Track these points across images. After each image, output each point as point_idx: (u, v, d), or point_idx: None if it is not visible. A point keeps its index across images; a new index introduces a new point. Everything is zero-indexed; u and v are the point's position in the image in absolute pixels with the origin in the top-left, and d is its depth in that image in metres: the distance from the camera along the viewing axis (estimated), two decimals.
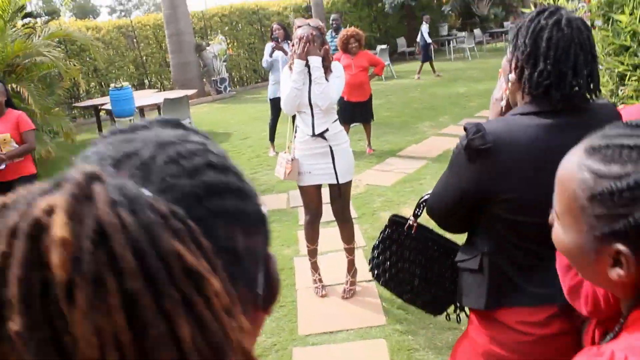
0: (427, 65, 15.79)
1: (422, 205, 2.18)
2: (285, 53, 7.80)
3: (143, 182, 0.49)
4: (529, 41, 1.55)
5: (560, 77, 1.51)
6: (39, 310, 0.38)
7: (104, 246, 0.39)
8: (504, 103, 1.76)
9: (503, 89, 1.77)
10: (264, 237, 0.59)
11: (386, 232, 2.33)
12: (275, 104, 8.32)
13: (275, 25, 8.55)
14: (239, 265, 0.53)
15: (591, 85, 1.55)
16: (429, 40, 15.52)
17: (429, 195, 1.93)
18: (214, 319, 0.43)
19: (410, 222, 2.22)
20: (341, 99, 7.51)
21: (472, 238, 1.79)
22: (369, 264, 2.43)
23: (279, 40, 8.13)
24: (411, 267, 2.22)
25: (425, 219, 2.05)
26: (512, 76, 1.62)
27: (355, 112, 7.68)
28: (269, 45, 8.30)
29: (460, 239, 1.94)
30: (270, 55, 8.14)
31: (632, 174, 0.84)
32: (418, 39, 16.18)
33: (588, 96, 1.57)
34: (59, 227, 0.39)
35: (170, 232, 0.43)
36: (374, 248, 2.38)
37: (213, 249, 0.47)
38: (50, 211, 0.40)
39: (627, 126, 0.92)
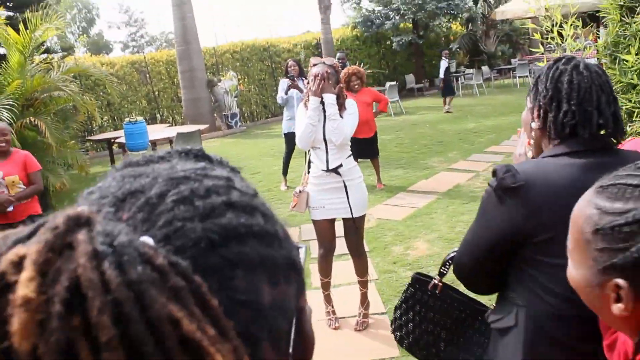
0: (435, 100, 15.96)
1: (448, 263, 2.09)
2: (300, 90, 7.94)
3: (145, 226, 0.41)
4: (550, 85, 1.55)
5: (586, 116, 1.50)
6: None
7: (79, 309, 0.33)
8: (530, 155, 1.72)
9: (525, 143, 1.75)
10: (297, 286, 0.50)
11: (409, 292, 2.21)
12: (290, 139, 8.45)
13: (290, 62, 8.70)
14: (263, 322, 0.44)
15: (616, 126, 1.54)
16: (441, 75, 15.71)
17: (455, 253, 1.82)
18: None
19: (435, 281, 2.12)
20: None
21: (505, 293, 1.66)
22: (391, 325, 2.30)
23: (295, 77, 8.28)
24: (436, 329, 2.10)
25: (451, 279, 1.96)
26: (535, 124, 1.61)
27: (361, 148, 7.78)
28: (284, 82, 8.43)
29: (486, 301, 1.89)
30: (286, 93, 8.28)
31: (632, 211, 0.90)
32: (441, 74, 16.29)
33: (614, 137, 1.56)
34: (24, 285, 0.33)
35: (166, 293, 0.35)
36: (396, 308, 2.24)
37: (229, 305, 0.40)
38: (18, 264, 0.34)
39: (636, 167, 0.98)
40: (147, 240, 0.38)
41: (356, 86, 7.71)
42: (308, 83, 3.97)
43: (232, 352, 0.37)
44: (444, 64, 15.88)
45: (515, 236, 1.52)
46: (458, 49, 23.56)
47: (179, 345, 0.34)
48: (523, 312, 1.55)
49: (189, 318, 0.36)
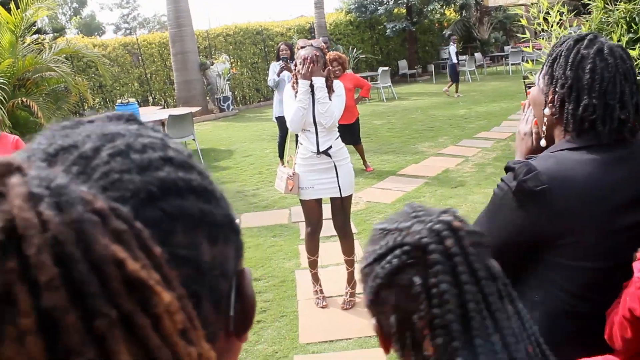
0: (428, 86, 16.00)
1: None
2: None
3: (81, 179, 0.40)
4: (570, 73, 1.43)
5: (607, 110, 1.41)
6: None
7: (14, 251, 0.31)
8: (542, 141, 1.59)
9: (531, 121, 1.66)
10: (236, 247, 0.49)
11: None
12: (282, 122, 8.49)
13: (282, 46, 8.72)
14: (203, 280, 0.43)
15: (637, 116, 1.44)
16: (454, 60, 15.62)
17: None
18: (164, 344, 0.35)
19: None
20: None
21: (519, 287, 1.54)
22: None
23: (288, 60, 8.31)
24: None
25: None
26: (549, 111, 1.51)
27: (342, 134, 7.80)
28: (275, 65, 8.47)
29: None
30: (278, 75, 8.31)
31: (370, 252, 0.95)
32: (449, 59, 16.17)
33: (632, 130, 1.45)
34: None
35: (109, 234, 0.34)
36: None
37: (169, 258, 0.38)
38: None
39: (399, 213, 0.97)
40: (84, 189, 0.36)
41: (337, 72, 7.71)
42: (296, 66, 4.02)
43: (177, 300, 0.36)
44: (452, 49, 15.83)
45: (534, 240, 1.44)
46: (452, 35, 23.59)
47: (124, 286, 0.33)
48: (538, 309, 1.47)
49: (133, 259, 0.34)
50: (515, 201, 1.42)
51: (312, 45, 4.03)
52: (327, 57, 7.74)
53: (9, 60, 7.37)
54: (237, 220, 0.50)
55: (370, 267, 0.92)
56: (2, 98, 6.68)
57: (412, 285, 0.82)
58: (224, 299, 0.47)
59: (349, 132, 7.80)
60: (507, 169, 1.46)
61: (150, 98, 17.40)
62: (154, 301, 0.34)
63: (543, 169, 1.39)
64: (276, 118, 8.63)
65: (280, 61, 8.46)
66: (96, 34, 39.22)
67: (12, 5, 7.49)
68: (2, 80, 6.91)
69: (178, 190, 0.42)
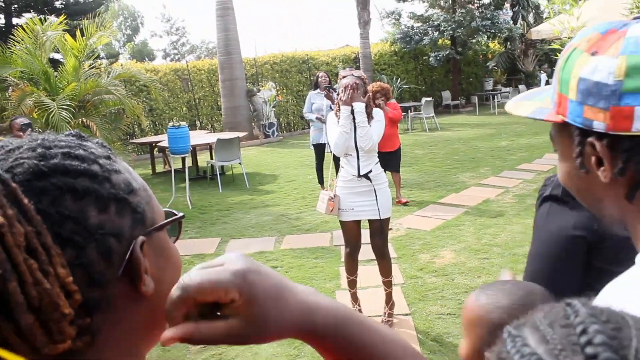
0: (470, 117, 16.07)
1: None
2: (334, 102, 8.24)
3: (0, 164, 0.59)
4: None
5: None
6: None
7: None
8: None
9: None
10: (132, 220, 0.63)
11: None
12: (318, 148, 8.80)
13: (321, 74, 9.06)
14: (87, 234, 0.58)
15: None
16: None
17: None
18: (5, 253, 0.51)
19: None
20: None
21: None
22: None
23: (331, 88, 8.58)
24: None
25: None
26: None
27: (384, 161, 7.94)
28: (314, 95, 8.79)
29: None
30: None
31: None
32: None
33: None
34: None
35: None
36: None
37: (58, 217, 0.56)
38: None
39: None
40: None
41: (380, 103, 7.90)
42: (338, 94, 4.30)
43: (31, 233, 0.53)
44: (543, 77, 15.93)
45: (586, 242, 1.43)
46: (495, 67, 23.63)
47: None
48: None
49: None
50: (561, 205, 1.46)
51: (352, 74, 4.30)
52: (370, 88, 7.99)
53: (73, 84, 7.85)
54: (141, 207, 0.66)
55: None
56: (69, 119, 7.12)
57: None
58: (117, 255, 0.61)
59: (389, 159, 7.96)
60: (544, 183, 1.52)
61: (197, 122, 17.92)
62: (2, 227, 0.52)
63: None
64: (313, 145, 8.93)
65: (317, 90, 8.76)
66: (147, 59, 40.53)
67: (78, 33, 7.99)
68: (68, 103, 7.36)
69: (67, 171, 0.59)
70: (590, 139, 0.81)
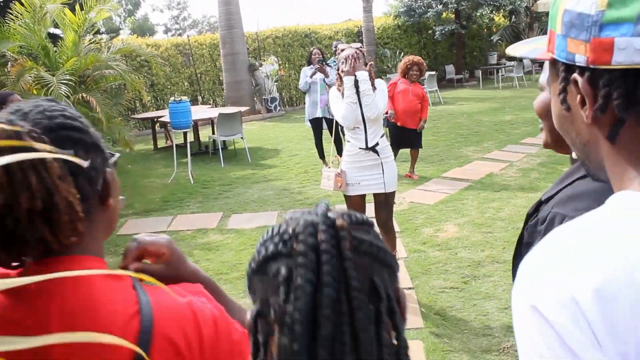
0: (474, 91, 15.94)
1: None
2: (327, 75, 8.22)
3: (22, 120, 0.91)
4: None
5: None
6: None
7: None
8: None
9: None
10: (102, 159, 0.99)
11: None
12: (315, 124, 8.77)
13: (315, 50, 9.05)
14: (78, 167, 0.89)
15: None
16: None
17: None
18: (51, 181, 0.86)
19: None
20: (394, 124, 7.82)
21: None
22: None
23: (324, 62, 8.54)
24: None
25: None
26: None
27: (405, 137, 7.92)
28: (306, 69, 8.79)
29: None
30: (311, 77, 8.56)
31: None
32: None
33: None
34: None
35: (29, 136, 0.85)
36: None
37: (61, 152, 0.84)
38: None
39: None
40: (24, 124, 0.89)
41: (414, 76, 7.82)
42: (338, 69, 4.23)
43: (58, 164, 0.87)
44: None
45: None
46: (500, 41, 23.38)
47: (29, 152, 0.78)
48: None
49: (37, 141, 0.84)
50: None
51: (351, 46, 4.25)
52: (410, 59, 7.86)
53: (74, 59, 7.77)
54: (105, 149, 1.02)
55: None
56: (68, 94, 7.07)
57: (278, 275, 0.72)
58: (95, 181, 0.96)
59: (413, 136, 7.93)
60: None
61: (199, 97, 17.83)
62: (45, 160, 0.85)
63: None
64: (309, 121, 8.88)
65: (311, 66, 8.72)
66: (148, 34, 40.21)
67: (77, 7, 7.88)
68: (67, 77, 7.29)
69: (66, 127, 0.94)
70: (574, 75, 0.78)
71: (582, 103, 0.78)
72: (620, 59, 0.71)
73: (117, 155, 1.07)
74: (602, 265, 0.65)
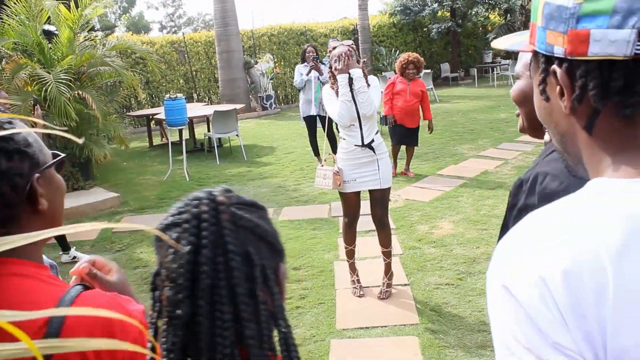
0: (469, 90, 15.96)
1: None
2: (321, 73, 8.25)
3: None
4: None
5: None
6: None
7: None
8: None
9: None
10: (30, 166, 1.02)
11: None
12: (308, 121, 8.78)
13: (309, 48, 9.03)
14: (2, 177, 0.98)
15: None
16: None
17: None
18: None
19: None
20: (393, 122, 7.86)
21: None
22: None
23: (318, 59, 8.55)
24: None
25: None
26: None
27: (404, 135, 7.98)
28: (300, 67, 8.80)
29: None
30: (307, 75, 8.57)
31: None
32: None
33: None
34: None
35: None
36: None
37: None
38: None
39: None
40: None
41: (411, 74, 7.85)
42: (330, 67, 4.23)
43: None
44: None
45: None
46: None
47: None
48: None
49: None
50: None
51: (342, 44, 4.26)
52: (406, 57, 7.86)
53: (70, 56, 7.74)
54: (36, 155, 1.04)
55: None
56: (64, 91, 7.06)
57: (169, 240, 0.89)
58: (20, 187, 1.00)
59: (411, 135, 7.98)
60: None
61: (194, 95, 17.80)
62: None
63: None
64: (303, 118, 8.89)
65: (305, 63, 8.73)
66: (143, 32, 40.10)
67: (72, 4, 7.84)
68: (64, 76, 7.29)
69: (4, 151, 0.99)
70: (553, 67, 0.79)
71: (561, 94, 0.79)
72: (596, 50, 0.73)
73: (62, 156, 1.12)
74: (570, 247, 0.68)
